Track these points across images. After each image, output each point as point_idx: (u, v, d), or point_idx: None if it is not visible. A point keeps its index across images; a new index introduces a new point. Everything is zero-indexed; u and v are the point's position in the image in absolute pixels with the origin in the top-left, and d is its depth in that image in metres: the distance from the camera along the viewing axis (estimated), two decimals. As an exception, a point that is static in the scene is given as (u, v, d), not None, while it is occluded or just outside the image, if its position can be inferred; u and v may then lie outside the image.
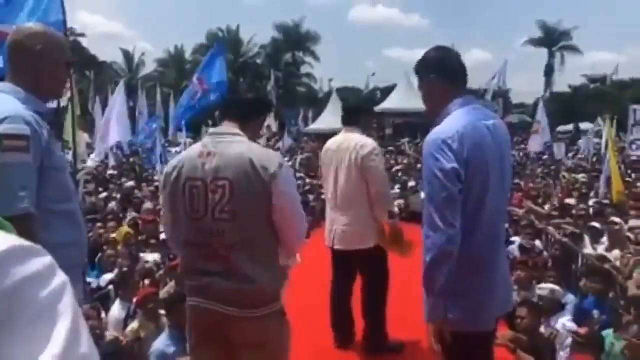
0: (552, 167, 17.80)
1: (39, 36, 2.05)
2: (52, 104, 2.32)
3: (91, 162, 12.82)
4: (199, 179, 2.15)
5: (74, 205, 2.08)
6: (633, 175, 14.18)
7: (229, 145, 2.17)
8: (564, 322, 4.37)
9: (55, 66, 2.08)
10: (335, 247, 3.74)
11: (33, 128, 1.86)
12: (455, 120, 2.19)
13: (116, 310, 4.98)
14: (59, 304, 0.57)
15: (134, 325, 4.51)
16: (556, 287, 4.92)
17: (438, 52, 2.38)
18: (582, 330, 3.86)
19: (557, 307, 4.58)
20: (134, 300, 4.86)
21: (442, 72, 2.31)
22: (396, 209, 3.73)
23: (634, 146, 8.85)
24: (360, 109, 4.07)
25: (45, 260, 0.59)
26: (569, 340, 4.15)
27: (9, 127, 1.79)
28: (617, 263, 5.83)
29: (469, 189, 2.12)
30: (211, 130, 2.33)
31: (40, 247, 0.60)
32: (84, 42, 44.87)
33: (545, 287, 4.82)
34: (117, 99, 9.98)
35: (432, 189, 2.13)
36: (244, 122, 2.28)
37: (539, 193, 11.06)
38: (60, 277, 0.59)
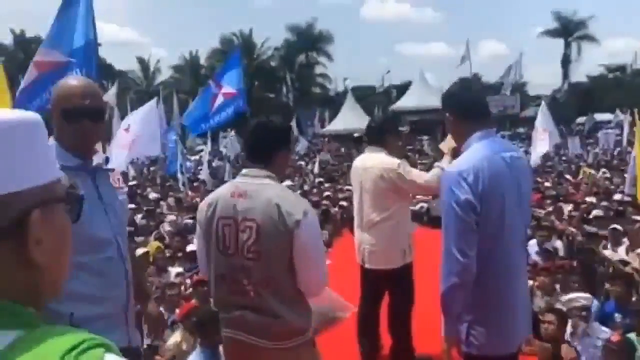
0: (571, 164, 17.65)
1: (62, 97, 2.10)
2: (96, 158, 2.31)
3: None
4: (231, 218, 2.28)
5: (98, 256, 2.05)
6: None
7: (260, 188, 2.27)
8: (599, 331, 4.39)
9: (61, 119, 2.08)
10: (366, 266, 3.81)
11: None
12: (472, 154, 2.30)
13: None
14: None
15: (176, 338, 4.66)
16: (584, 295, 4.90)
17: (455, 89, 2.53)
18: (614, 338, 3.88)
19: (591, 315, 4.57)
20: (177, 313, 5.02)
21: (455, 111, 2.44)
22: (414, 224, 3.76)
23: None
24: (385, 129, 3.90)
25: None
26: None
27: None
28: (638, 265, 5.83)
29: (486, 219, 2.22)
30: (243, 171, 2.43)
31: None
32: (100, 51, 45.42)
33: (574, 297, 4.73)
34: (151, 112, 10.07)
35: (449, 220, 2.25)
36: (270, 161, 2.37)
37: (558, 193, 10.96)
38: None
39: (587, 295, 4.78)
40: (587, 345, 4.32)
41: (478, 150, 2.30)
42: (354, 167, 3.97)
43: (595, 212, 8.35)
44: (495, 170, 2.24)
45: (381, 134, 3.87)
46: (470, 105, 2.42)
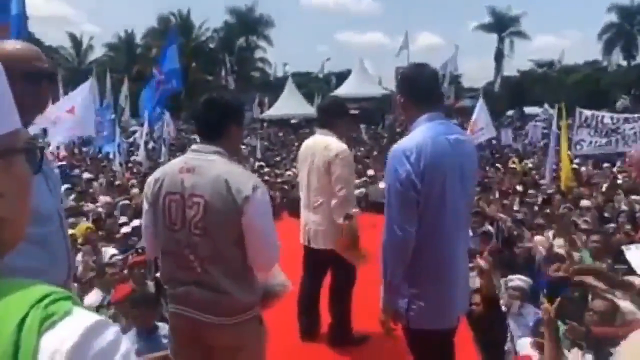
0: (502, 154, 18.37)
1: (5, 54, 1.94)
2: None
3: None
4: (177, 194, 2.24)
5: (43, 227, 1.94)
6: (577, 160, 14.84)
7: (209, 164, 2.25)
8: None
9: (29, 87, 1.95)
10: (311, 246, 3.83)
11: None
12: (417, 135, 2.38)
13: (93, 297, 5.16)
14: None
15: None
16: (521, 277, 5.12)
17: (409, 72, 2.58)
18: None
19: (526, 297, 4.81)
20: (112, 294, 4.92)
21: (407, 93, 2.50)
22: (355, 210, 3.70)
23: (578, 146, 9.32)
24: (335, 112, 3.90)
25: (114, 330, 0.70)
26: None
27: None
28: (562, 250, 6.18)
29: (428, 197, 2.30)
30: (193, 147, 2.39)
31: (108, 320, 0.71)
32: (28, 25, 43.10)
33: (515, 278, 5.00)
34: (84, 94, 9.66)
35: (390, 195, 2.34)
36: (221, 137, 2.34)
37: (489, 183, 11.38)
38: (125, 343, 0.70)
39: (525, 277, 5.06)
40: (519, 324, 4.58)
41: (423, 131, 2.37)
42: (303, 148, 3.98)
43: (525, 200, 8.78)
44: (438, 150, 2.32)
45: (331, 117, 3.87)
46: (422, 90, 2.48)
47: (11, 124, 0.77)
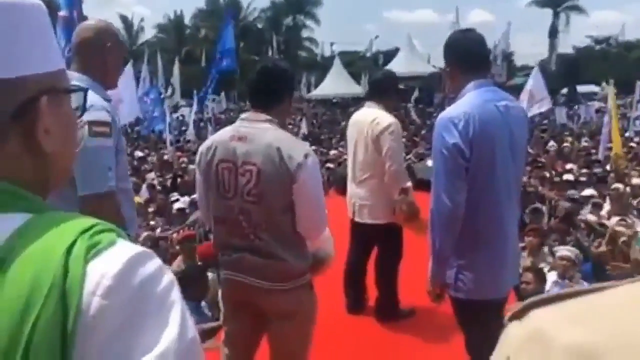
0: (554, 133, 17.81)
1: (106, 33, 2.33)
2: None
3: None
4: (230, 161, 2.28)
5: (130, 184, 2.40)
6: (637, 139, 14.22)
7: (261, 132, 2.27)
8: None
9: (120, 59, 2.38)
10: (356, 219, 3.85)
11: (110, 115, 2.11)
12: (465, 102, 2.32)
13: None
14: (171, 297, 0.69)
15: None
16: (569, 248, 5.08)
17: (455, 38, 2.51)
18: None
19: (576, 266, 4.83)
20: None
21: (454, 60, 2.45)
22: (409, 184, 3.72)
23: (638, 122, 8.81)
24: (382, 85, 3.87)
25: (157, 261, 0.71)
26: None
27: (95, 114, 2.03)
28: (618, 229, 5.98)
29: (477, 166, 2.26)
30: (243, 115, 2.42)
31: (151, 251, 0.72)
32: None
33: (562, 249, 4.98)
34: (127, 77, 9.94)
35: (437, 164, 2.31)
36: (274, 105, 2.35)
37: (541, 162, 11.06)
38: (169, 275, 0.71)
39: (573, 249, 5.00)
40: None
41: (471, 99, 2.32)
42: (351, 122, 3.97)
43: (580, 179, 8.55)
44: (487, 117, 2.25)
45: (379, 88, 3.86)
46: (468, 55, 2.42)
47: (57, 63, 0.80)
